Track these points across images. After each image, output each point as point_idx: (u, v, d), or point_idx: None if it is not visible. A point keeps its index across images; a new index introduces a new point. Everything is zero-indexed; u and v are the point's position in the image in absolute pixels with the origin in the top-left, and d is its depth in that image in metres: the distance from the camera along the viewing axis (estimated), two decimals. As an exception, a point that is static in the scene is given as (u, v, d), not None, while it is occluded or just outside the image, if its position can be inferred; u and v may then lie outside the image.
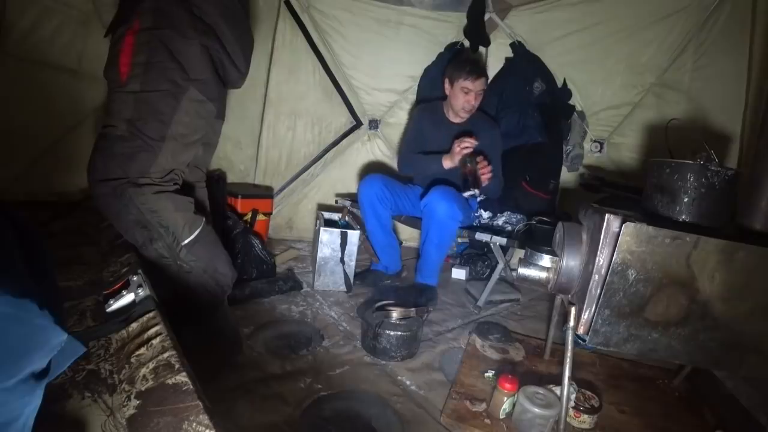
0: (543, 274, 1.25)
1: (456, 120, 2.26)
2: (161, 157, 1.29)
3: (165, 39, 1.27)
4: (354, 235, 2.15)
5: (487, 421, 1.33)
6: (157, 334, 0.91)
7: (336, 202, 2.64)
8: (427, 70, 2.61)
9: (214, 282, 1.41)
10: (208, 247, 1.41)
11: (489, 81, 2.50)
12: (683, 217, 1.13)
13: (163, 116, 1.28)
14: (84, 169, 1.31)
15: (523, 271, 1.27)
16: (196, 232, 1.35)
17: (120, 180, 1.24)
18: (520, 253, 2.23)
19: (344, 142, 2.78)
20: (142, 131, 1.25)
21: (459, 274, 2.58)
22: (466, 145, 2.02)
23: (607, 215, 1.05)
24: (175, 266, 1.35)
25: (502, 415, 1.34)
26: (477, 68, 2.15)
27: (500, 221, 2.30)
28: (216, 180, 2.30)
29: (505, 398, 1.32)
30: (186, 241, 1.33)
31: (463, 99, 2.14)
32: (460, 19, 2.52)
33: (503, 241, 2.04)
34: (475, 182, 1.97)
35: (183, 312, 1.27)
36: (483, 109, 2.36)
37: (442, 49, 2.58)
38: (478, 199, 2.22)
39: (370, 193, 2.16)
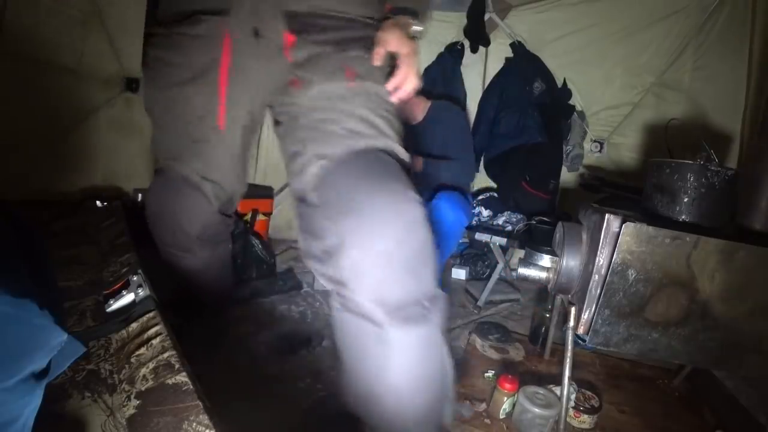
0: (543, 274, 1.25)
1: (413, 121, 2.16)
2: None
3: None
4: (354, 235, 2.14)
5: (487, 421, 1.33)
6: (157, 334, 0.91)
7: (336, 202, 2.64)
8: (427, 70, 2.60)
9: None
10: None
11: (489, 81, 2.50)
12: (683, 217, 1.13)
13: None
14: (84, 169, 1.31)
15: (523, 271, 1.27)
16: None
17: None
18: (520, 253, 2.23)
19: (344, 142, 2.77)
20: None
21: (459, 274, 2.57)
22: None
23: (607, 215, 1.05)
24: None
25: (502, 415, 1.34)
26: None
27: (500, 221, 2.30)
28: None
29: (505, 398, 1.32)
30: None
31: None
32: (460, 19, 2.52)
33: (503, 241, 2.04)
34: None
35: None
36: (449, 96, 2.33)
37: (442, 49, 2.58)
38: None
39: None
